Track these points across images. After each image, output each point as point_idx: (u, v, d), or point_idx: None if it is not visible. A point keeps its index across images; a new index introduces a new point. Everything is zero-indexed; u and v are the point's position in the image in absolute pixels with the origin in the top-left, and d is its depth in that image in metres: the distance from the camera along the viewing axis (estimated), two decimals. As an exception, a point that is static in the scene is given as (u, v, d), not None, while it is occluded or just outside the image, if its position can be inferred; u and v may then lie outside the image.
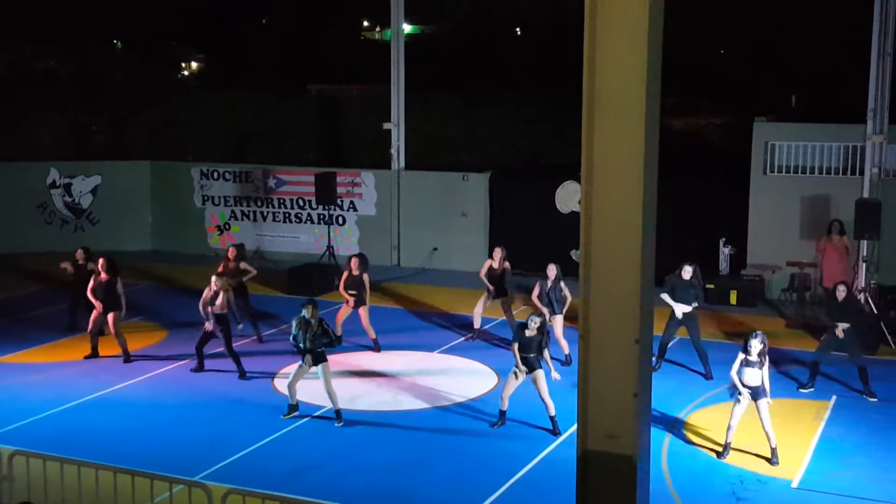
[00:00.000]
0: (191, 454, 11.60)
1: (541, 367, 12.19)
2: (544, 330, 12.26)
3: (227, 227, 23.55)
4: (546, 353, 12.20)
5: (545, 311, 14.68)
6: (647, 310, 5.97)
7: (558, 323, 14.81)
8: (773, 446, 11.33)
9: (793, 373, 14.54)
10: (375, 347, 15.69)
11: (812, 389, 13.75)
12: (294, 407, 12.82)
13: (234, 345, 14.54)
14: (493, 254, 16.11)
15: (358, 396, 13.69)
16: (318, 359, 12.54)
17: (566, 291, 14.78)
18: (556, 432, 12.19)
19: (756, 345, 11.20)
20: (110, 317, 15.05)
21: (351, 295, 15.46)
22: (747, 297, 18.41)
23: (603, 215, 5.87)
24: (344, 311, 15.67)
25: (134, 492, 8.91)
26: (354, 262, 15.57)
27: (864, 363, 13.66)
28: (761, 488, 10.78)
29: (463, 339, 16.49)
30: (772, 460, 11.30)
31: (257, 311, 16.81)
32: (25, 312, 18.25)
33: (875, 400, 13.46)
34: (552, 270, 14.79)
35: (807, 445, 11.90)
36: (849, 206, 17.23)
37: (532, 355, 12.11)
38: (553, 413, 12.24)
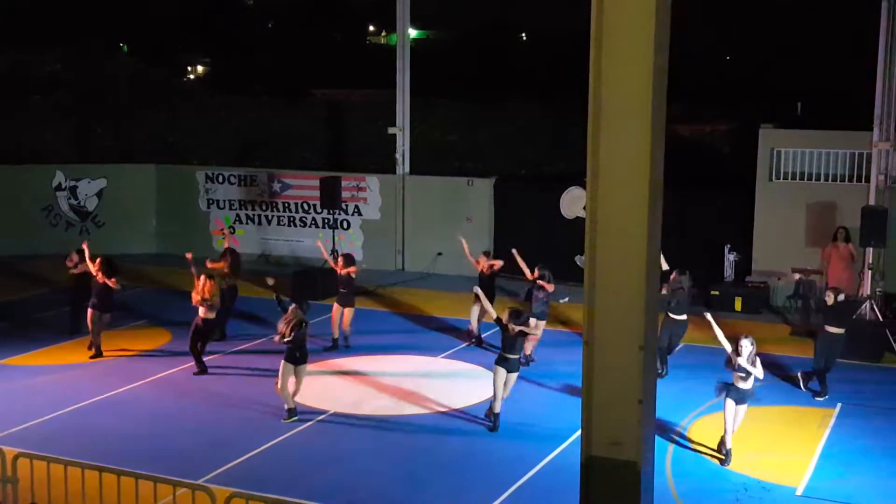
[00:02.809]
0: (194, 457, 11.60)
1: (517, 371, 12.35)
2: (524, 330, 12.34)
3: (231, 230, 23.55)
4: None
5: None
6: (651, 316, 5.96)
7: (539, 329, 14.70)
8: (725, 444, 11.39)
9: (798, 380, 14.50)
10: (344, 344, 15.72)
11: (826, 397, 13.73)
12: (292, 411, 12.81)
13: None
14: (479, 258, 16.16)
15: (361, 401, 13.68)
16: (296, 358, 12.61)
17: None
18: (494, 429, 12.36)
19: (747, 345, 11.27)
20: (106, 318, 15.19)
21: (341, 292, 15.52)
22: (752, 303, 18.37)
23: (608, 221, 5.86)
24: (335, 313, 15.71)
25: (137, 495, 8.91)
26: (341, 262, 15.71)
27: (831, 366, 13.73)
28: (765, 496, 10.75)
29: (464, 345, 16.45)
30: (720, 451, 11.42)
31: (258, 314, 16.82)
32: (30, 315, 18.27)
33: (822, 399, 13.59)
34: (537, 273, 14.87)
35: (811, 453, 11.87)
36: (855, 214, 17.20)
37: (515, 356, 12.22)
38: (497, 410, 12.38)
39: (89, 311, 15.30)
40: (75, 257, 16.39)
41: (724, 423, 11.41)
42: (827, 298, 13.74)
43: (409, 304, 19.35)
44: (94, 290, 15.30)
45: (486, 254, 16.17)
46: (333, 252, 20.81)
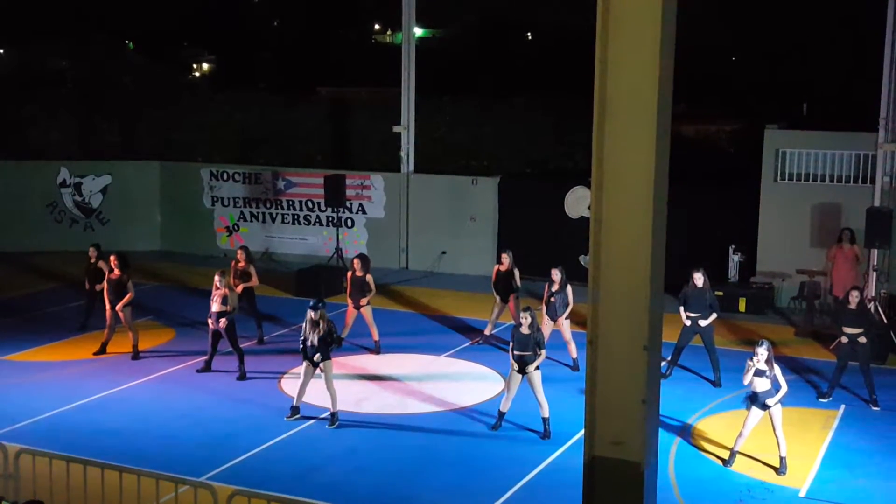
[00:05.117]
0: (197, 455, 11.60)
1: (537, 368, 12.17)
2: (536, 326, 12.25)
3: (235, 228, 23.59)
4: (541, 352, 12.16)
5: (546, 318, 14.67)
6: (656, 316, 5.94)
7: (566, 327, 14.78)
8: (783, 455, 11.26)
9: (802, 381, 14.48)
10: (376, 349, 15.69)
11: (830, 399, 13.69)
12: (296, 409, 12.82)
13: (241, 345, 14.62)
14: (501, 258, 16.07)
15: (364, 399, 13.68)
16: (322, 358, 12.52)
17: (570, 298, 14.74)
18: (546, 435, 12.21)
19: (762, 352, 11.17)
20: (123, 312, 15.15)
21: (356, 297, 15.49)
22: (756, 304, 18.34)
23: (613, 221, 5.85)
24: (351, 313, 15.69)
25: (139, 492, 8.91)
26: (357, 263, 15.60)
27: (870, 371, 13.59)
28: (769, 497, 10.73)
29: (469, 343, 16.45)
30: (780, 470, 11.23)
31: (263, 313, 16.82)
32: (34, 311, 18.29)
33: (878, 409, 13.41)
34: (556, 275, 14.75)
35: (815, 454, 11.85)
36: (860, 215, 17.16)
37: (528, 353, 12.10)
38: (546, 415, 12.25)
39: (107, 309, 15.30)
40: (94, 251, 16.42)
41: (743, 428, 11.34)
42: (851, 300, 13.57)
43: (412, 302, 19.34)
44: (109, 287, 15.27)
45: (508, 254, 16.07)
46: (338, 250, 20.84)
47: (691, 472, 11.33)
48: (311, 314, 12.50)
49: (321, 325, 12.45)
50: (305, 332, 12.57)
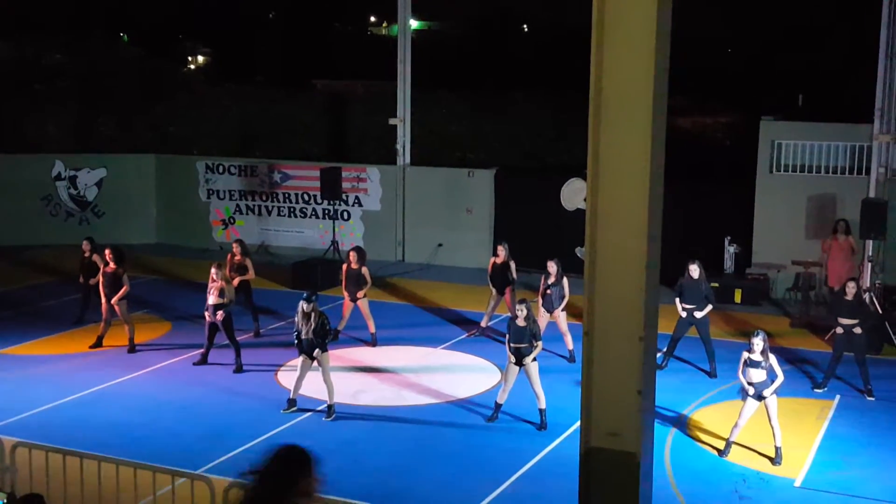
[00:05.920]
0: (193, 447, 11.61)
1: (534, 360, 12.19)
2: (532, 318, 12.27)
3: (231, 221, 23.58)
4: (538, 343, 12.18)
5: (542, 310, 14.69)
6: (651, 307, 5.94)
7: (562, 318, 14.81)
8: (778, 445, 11.30)
9: (797, 372, 14.53)
10: (372, 341, 15.71)
11: (825, 389, 13.74)
12: (293, 402, 12.83)
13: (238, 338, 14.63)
14: (497, 251, 16.09)
15: (361, 391, 13.70)
16: (320, 351, 12.53)
17: (566, 290, 14.77)
18: (542, 426, 12.24)
19: (758, 343, 11.20)
20: (119, 306, 15.13)
21: (352, 289, 15.49)
22: (752, 295, 18.39)
23: (609, 213, 5.84)
24: (348, 305, 15.70)
25: (136, 484, 8.92)
26: (353, 256, 15.61)
27: (865, 362, 13.63)
28: (764, 487, 10.77)
29: (466, 335, 16.48)
30: (775, 460, 11.27)
31: (260, 305, 16.82)
32: (29, 304, 18.28)
33: (873, 399, 13.46)
34: (552, 267, 14.77)
35: (810, 444, 11.89)
36: (855, 206, 17.19)
37: (525, 345, 12.13)
38: (543, 406, 12.28)
39: (103, 303, 15.29)
40: (88, 245, 16.41)
41: (738, 418, 11.38)
42: (847, 291, 13.60)
43: (409, 295, 19.35)
44: (104, 281, 15.27)
45: (504, 246, 16.10)
46: (334, 243, 20.84)
47: (687, 463, 11.37)
48: (303, 306, 12.51)
49: (313, 317, 12.45)
50: (298, 324, 12.59)
